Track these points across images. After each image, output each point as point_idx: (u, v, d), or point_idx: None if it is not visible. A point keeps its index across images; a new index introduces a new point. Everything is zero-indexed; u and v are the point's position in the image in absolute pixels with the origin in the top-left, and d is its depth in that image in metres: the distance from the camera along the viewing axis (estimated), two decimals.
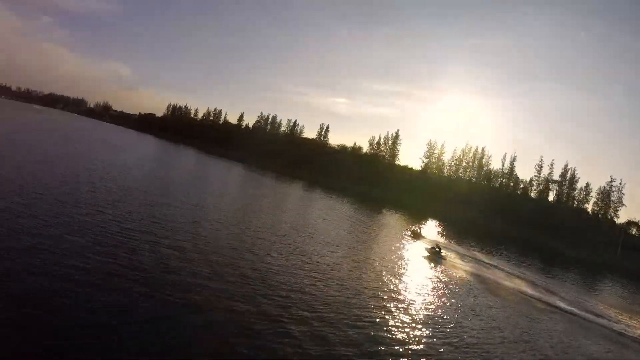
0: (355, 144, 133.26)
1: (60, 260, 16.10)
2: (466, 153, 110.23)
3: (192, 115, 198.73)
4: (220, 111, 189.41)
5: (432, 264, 31.92)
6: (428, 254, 34.58)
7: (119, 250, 18.57)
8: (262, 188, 67.97)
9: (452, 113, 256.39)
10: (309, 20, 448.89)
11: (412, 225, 52.46)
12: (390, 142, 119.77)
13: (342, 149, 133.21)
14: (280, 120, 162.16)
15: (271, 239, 27.42)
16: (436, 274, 28.85)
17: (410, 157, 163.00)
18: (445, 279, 27.64)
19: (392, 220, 60.56)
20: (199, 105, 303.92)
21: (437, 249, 34.71)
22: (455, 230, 64.12)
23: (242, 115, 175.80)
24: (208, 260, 19.96)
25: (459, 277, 29.14)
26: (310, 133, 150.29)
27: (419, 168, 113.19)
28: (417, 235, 44.29)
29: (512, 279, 32.62)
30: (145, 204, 29.94)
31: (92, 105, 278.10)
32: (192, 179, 58.41)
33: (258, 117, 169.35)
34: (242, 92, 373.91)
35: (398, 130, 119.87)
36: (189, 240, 22.59)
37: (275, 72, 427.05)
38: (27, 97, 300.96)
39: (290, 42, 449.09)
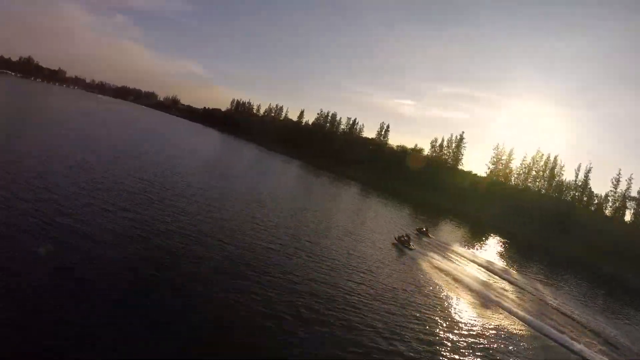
0: (416, 145, 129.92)
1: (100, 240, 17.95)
2: (536, 161, 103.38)
3: (254, 111, 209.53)
4: (281, 107, 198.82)
5: (473, 308, 24.25)
6: (396, 242, 35.04)
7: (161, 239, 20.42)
8: (316, 189, 67.50)
9: (521, 119, 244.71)
10: (376, 21, 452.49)
11: (420, 224, 48.96)
12: (454, 145, 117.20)
13: (402, 150, 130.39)
14: (340, 118, 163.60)
15: (298, 241, 27.37)
16: (481, 323, 21.77)
17: (475, 164, 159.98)
18: (493, 331, 21.08)
19: (445, 233, 54.55)
20: (266, 102, 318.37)
21: (406, 238, 35.40)
22: (519, 250, 59.27)
23: (302, 113, 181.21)
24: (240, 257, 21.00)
25: (511, 330, 22.20)
26: (372, 133, 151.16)
27: (484, 175, 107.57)
28: (423, 234, 42.57)
29: (582, 332, 24.81)
30: (196, 200, 31.60)
31: (161, 99, 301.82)
32: (246, 176, 59.07)
33: (318, 114, 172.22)
34: (307, 91, 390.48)
35: (462, 132, 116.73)
36: (229, 240, 23.39)
37: (341, 71, 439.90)
38: (101, 88, 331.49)
39: (357, 42, 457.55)
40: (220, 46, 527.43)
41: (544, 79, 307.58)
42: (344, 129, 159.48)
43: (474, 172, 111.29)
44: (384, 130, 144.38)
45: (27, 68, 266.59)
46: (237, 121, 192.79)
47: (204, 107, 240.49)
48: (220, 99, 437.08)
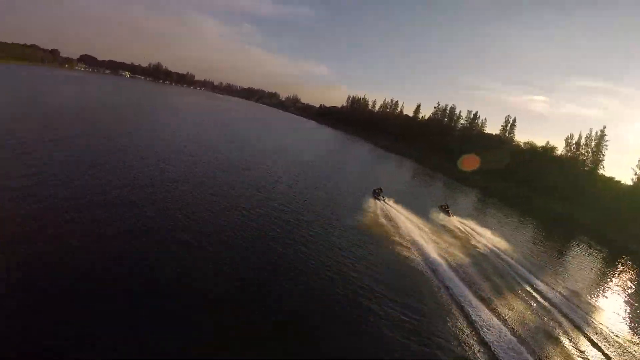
0: (548, 142, 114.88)
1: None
2: None
3: (369, 107, 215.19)
4: (396, 102, 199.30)
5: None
6: (372, 197, 42.13)
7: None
8: (426, 197, 57.92)
9: None
10: (499, 11, 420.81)
11: (442, 203, 46.27)
12: (593, 143, 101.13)
13: (530, 148, 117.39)
14: (459, 112, 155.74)
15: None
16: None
17: (616, 168, 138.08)
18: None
19: (574, 269, 37.90)
20: (381, 98, 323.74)
21: (379, 190, 43.05)
22: None
23: (418, 107, 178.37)
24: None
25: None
26: (495, 130, 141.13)
27: (630, 183, 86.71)
28: (444, 212, 43.69)
29: None
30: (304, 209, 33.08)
31: (283, 99, 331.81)
32: (352, 179, 57.41)
33: (435, 107, 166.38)
34: (427, 88, 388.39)
35: (604, 127, 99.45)
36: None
37: (462, 66, 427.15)
38: (228, 90, 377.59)
39: (479, 35, 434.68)
40: (342, 47, 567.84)
41: None
42: (463, 123, 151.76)
43: (616, 178, 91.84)
44: (509, 125, 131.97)
45: (156, 73, 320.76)
46: (351, 117, 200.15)
47: (320, 105, 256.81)
48: (341, 97, 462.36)
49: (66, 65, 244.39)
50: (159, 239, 20.70)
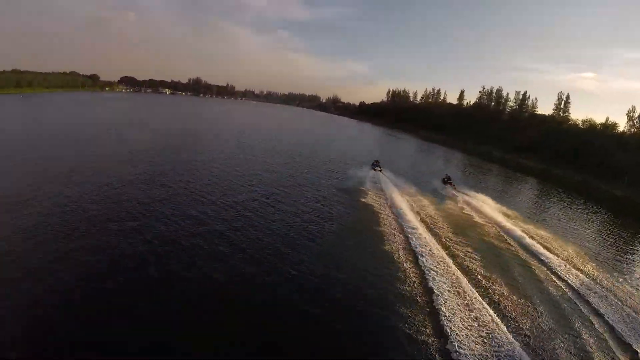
0: (607, 119, 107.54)
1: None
2: None
3: (410, 99, 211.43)
4: (438, 91, 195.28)
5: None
6: (371, 168, 51.41)
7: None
8: (482, 188, 53.02)
9: None
10: None
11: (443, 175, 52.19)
12: None
13: (589, 127, 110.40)
14: (507, 94, 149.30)
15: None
16: None
17: None
18: None
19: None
20: (422, 88, 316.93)
21: (376, 162, 53.20)
22: None
23: (462, 94, 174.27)
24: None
25: None
26: (545, 112, 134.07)
27: None
28: (447, 184, 48.61)
29: None
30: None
31: (323, 100, 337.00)
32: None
33: (480, 92, 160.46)
34: (469, 77, 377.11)
35: None
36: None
37: (504, 49, 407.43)
38: (268, 97, 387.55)
39: (517, 12, 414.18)
40: (378, 42, 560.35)
41: None
42: (512, 106, 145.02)
43: None
44: (562, 102, 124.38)
45: (196, 87, 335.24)
46: (392, 111, 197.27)
47: (360, 102, 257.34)
48: (382, 93, 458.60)
49: (107, 88, 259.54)
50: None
